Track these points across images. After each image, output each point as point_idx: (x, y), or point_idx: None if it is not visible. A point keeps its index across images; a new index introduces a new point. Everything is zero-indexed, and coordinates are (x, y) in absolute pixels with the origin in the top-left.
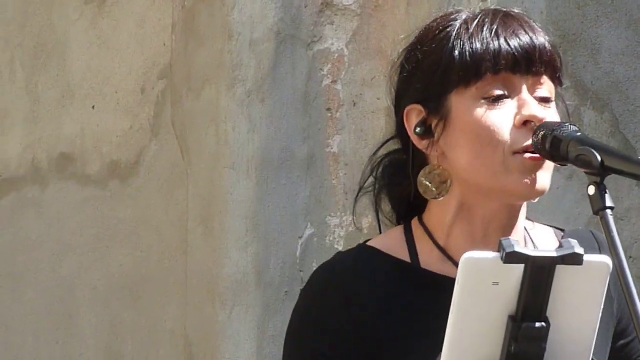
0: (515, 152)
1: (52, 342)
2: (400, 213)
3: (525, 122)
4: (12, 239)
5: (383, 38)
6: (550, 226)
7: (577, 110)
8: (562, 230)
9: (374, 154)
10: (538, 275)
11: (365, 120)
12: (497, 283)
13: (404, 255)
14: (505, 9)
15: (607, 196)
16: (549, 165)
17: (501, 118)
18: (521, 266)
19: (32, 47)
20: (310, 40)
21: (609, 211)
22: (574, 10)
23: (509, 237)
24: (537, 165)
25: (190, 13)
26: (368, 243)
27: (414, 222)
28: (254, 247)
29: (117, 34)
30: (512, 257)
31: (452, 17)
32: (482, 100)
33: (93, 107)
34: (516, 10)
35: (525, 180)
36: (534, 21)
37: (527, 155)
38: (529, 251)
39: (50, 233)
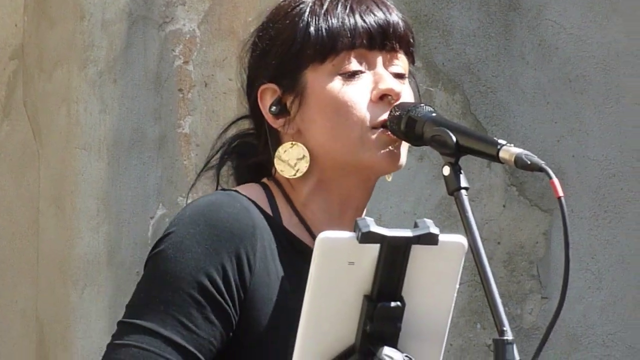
0: (373, 127)
1: None
2: (242, 179)
3: (382, 97)
4: None
5: (235, 19)
6: None
7: (428, 91)
8: None
9: (224, 131)
10: (394, 255)
11: (217, 101)
12: (352, 263)
13: (268, 211)
14: None
15: (462, 177)
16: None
17: (358, 93)
18: (377, 246)
19: None
20: (162, 21)
21: (463, 192)
22: None
23: (365, 217)
24: (394, 140)
25: None
26: (240, 191)
27: (270, 183)
28: (105, 227)
29: None
30: (367, 237)
31: None
32: (338, 76)
33: None
34: None
35: (382, 153)
36: None
37: (384, 130)
38: (385, 231)
39: None
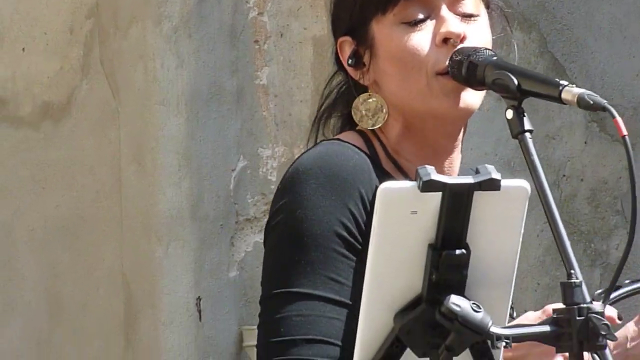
0: (438, 73)
1: None
2: (344, 123)
3: (445, 40)
4: None
5: None
6: None
7: (503, 31)
8: None
9: (329, 81)
10: (456, 203)
11: (293, 51)
12: (415, 212)
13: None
14: None
15: (525, 119)
16: None
17: (422, 40)
18: (439, 194)
19: None
20: None
21: (528, 134)
22: None
23: (425, 166)
24: (459, 87)
25: None
26: (342, 139)
27: (366, 130)
28: (187, 182)
29: None
30: (429, 186)
31: None
32: (402, 25)
33: (23, 49)
34: None
35: (449, 101)
36: None
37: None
38: (446, 178)
39: None
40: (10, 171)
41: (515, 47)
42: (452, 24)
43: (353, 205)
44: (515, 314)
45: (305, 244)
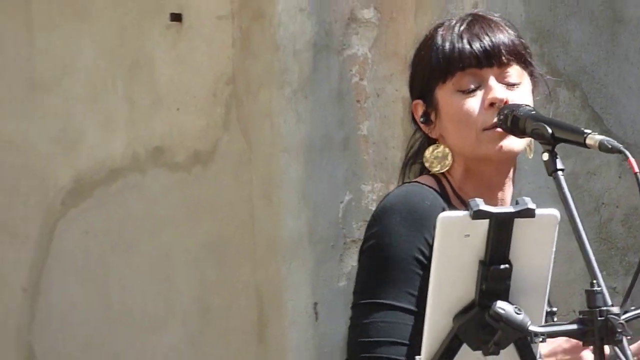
0: (485, 129)
1: (156, 298)
2: (423, 168)
3: (492, 104)
4: (121, 217)
5: (397, 43)
6: None
7: (553, 90)
8: None
9: (413, 135)
10: (500, 228)
11: (388, 108)
12: (468, 235)
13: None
14: (478, 13)
15: (558, 160)
16: None
17: (473, 104)
18: (487, 221)
19: (128, 65)
20: (341, 48)
21: (560, 172)
22: (547, 12)
23: (475, 198)
24: (502, 136)
25: (246, 32)
26: (420, 182)
27: (438, 174)
28: (305, 213)
29: (193, 52)
30: (478, 214)
31: (439, 24)
32: (458, 92)
33: (178, 109)
34: (481, 14)
35: (494, 147)
36: (500, 20)
37: (495, 129)
38: (492, 209)
39: (150, 211)
40: (169, 205)
41: (560, 102)
42: (497, 91)
43: (428, 235)
44: (556, 319)
45: (389, 265)
